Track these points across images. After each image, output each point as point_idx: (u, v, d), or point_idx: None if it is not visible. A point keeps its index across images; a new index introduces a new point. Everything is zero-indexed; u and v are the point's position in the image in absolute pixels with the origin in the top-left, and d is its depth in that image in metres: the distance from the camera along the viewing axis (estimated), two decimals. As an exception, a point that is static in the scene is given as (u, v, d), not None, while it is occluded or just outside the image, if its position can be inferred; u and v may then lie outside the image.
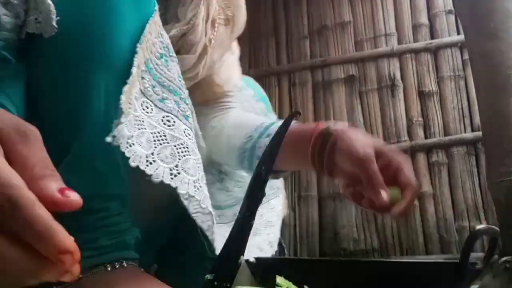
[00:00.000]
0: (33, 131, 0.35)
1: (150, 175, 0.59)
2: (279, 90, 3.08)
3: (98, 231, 0.61)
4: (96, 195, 0.62)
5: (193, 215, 0.65)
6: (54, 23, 0.55)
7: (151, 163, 0.59)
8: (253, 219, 0.47)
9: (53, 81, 0.60)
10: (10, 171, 0.31)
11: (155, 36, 0.66)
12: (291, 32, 3.17)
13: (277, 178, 0.97)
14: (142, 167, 0.58)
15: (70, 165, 0.60)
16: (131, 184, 0.66)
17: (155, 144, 0.60)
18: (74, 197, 0.32)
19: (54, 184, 0.32)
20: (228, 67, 1.02)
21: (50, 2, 0.55)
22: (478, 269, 0.67)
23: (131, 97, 0.60)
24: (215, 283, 0.46)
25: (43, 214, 0.30)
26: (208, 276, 0.46)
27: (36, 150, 0.34)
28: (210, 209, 0.67)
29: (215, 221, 0.69)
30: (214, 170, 1.02)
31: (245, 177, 1.03)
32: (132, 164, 0.57)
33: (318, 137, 0.80)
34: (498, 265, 1.20)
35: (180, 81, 0.68)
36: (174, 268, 0.92)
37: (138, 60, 0.61)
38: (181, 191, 0.61)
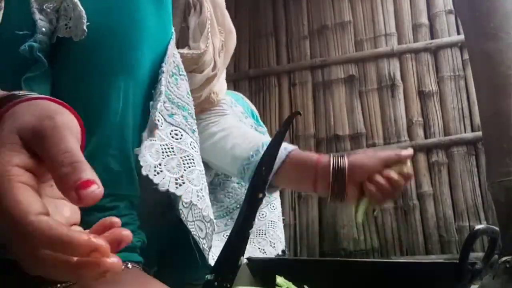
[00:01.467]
0: (54, 123, 0.38)
1: (157, 184, 0.63)
2: (279, 90, 3.08)
3: None
4: (108, 193, 0.63)
5: (189, 223, 0.69)
6: (84, 27, 0.59)
7: (158, 173, 0.63)
8: (254, 219, 0.47)
9: (76, 82, 0.63)
10: (25, 199, 0.34)
11: (171, 56, 0.70)
12: (291, 32, 3.17)
13: (272, 192, 1.07)
14: (150, 176, 0.62)
15: None
16: (139, 189, 0.68)
17: (163, 155, 0.65)
18: (91, 191, 0.35)
19: (73, 178, 0.35)
20: (222, 79, 1.09)
21: (82, 8, 0.59)
22: (478, 269, 0.67)
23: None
24: (215, 283, 0.46)
25: (57, 230, 0.33)
26: (208, 277, 0.46)
27: (52, 145, 0.36)
28: (212, 216, 0.71)
29: (215, 228, 0.73)
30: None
31: (236, 187, 1.08)
32: (144, 172, 0.62)
33: (333, 173, 0.92)
34: (498, 265, 1.20)
35: (188, 97, 0.73)
36: (174, 270, 0.93)
37: (164, 78, 0.66)
38: (185, 199, 0.66)
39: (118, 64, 0.62)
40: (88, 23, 0.58)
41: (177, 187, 0.64)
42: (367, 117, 2.89)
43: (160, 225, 0.83)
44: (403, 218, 2.67)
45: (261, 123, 1.20)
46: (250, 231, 0.48)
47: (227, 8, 1.04)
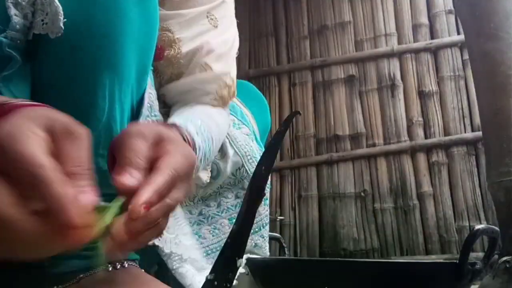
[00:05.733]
0: (82, 132, 0.40)
1: None
2: (279, 90, 3.08)
3: None
4: (99, 194, 0.63)
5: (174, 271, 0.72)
6: (61, 24, 0.56)
7: None
8: (253, 219, 0.47)
9: (59, 81, 0.60)
10: (45, 156, 0.36)
11: (147, 98, 0.69)
12: (291, 32, 3.17)
13: None
14: None
15: None
16: None
17: None
18: (85, 198, 0.37)
19: (80, 183, 0.37)
20: None
21: (58, 4, 0.55)
22: (478, 269, 0.67)
23: None
24: (215, 283, 0.46)
25: (61, 192, 0.35)
26: (208, 276, 0.46)
27: (77, 148, 0.39)
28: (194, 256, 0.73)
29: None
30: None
31: (225, 224, 0.99)
32: None
33: None
34: (498, 265, 1.20)
35: None
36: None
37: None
38: (166, 250, 0.68)
39: (101, 60, 0.60)
40: (65, 20, 0.55)
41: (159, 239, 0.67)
42: (367, 117, 2.89)
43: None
44: (403, 218, 2.67)
45: (261, 144, 1.13)
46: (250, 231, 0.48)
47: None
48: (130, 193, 0.41)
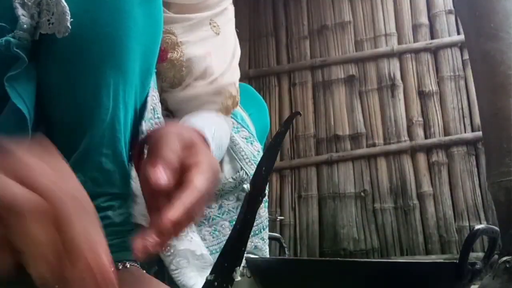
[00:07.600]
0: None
1: None
2: (279, 90, 3.08)
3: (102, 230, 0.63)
4: (102, 193, 0.63)
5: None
6: (68, 24, 0.56)
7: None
8: (254, 219, 0.47)
9: (65, 81, 0.61)
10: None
11: (150, 101, 0.69)
12: (291, 32, 3.17)
13: None
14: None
15: (78, 162, 0.61)
16: (134, 188, 0.68)
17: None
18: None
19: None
20: None
21: (65, 4, 0.56)
22: (478, 269, 0.67)
23: None
24: (215, 283, 0.46)
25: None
26: (209, 277, 0.47)
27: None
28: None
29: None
30: None
31: (225, 226, 0.99)
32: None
33: None
34: (498, 265, 1.20)
35: None
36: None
37: (144, 125, 0.66)
38: (181, 247, 0.70)
39: (106, 60, 0.60)
40: (72, 19, 0.56)
41: None
42: (367, 117, 2.89)
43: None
44: (403, 218, 2.67)
45: (265, 136, 1.14)
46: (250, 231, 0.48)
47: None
48: (158, 190, 0.43)
